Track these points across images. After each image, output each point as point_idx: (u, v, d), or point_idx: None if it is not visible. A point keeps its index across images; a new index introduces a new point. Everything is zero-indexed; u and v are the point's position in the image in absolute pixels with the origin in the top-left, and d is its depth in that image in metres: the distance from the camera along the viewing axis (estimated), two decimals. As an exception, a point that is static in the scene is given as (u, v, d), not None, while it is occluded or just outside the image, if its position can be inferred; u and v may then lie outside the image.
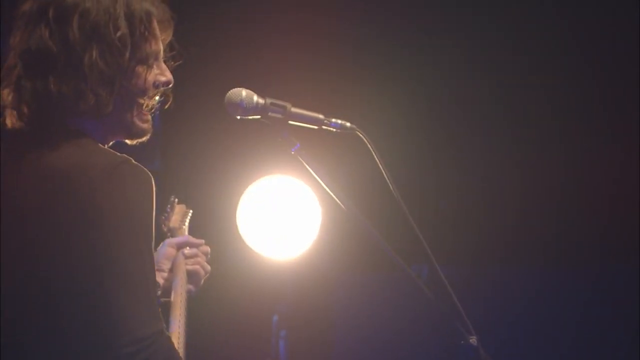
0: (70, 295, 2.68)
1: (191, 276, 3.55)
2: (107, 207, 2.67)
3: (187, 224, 3.80)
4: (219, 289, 5.82)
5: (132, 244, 2.69)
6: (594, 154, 6.10)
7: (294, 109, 3.12)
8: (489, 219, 6.18)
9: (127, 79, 2.84)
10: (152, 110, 2.96)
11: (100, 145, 2.83)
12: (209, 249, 3.62)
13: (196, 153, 5.79)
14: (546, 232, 6.17)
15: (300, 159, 3.11)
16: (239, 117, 3.12)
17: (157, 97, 2.96)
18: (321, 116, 3.14)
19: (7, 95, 2.83)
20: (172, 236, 3.67)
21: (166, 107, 3.03)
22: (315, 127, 3.15)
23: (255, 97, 3.11)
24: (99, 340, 2.66)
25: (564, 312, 6.08)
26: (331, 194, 3.11)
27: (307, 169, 3.12)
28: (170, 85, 2.97)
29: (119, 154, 2.78)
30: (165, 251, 3.54)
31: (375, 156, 3.12)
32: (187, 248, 3.56)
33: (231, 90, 3.11)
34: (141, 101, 2.90)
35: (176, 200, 3.82)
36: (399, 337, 6.10)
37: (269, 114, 3.11)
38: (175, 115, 3.03)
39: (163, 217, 3.73)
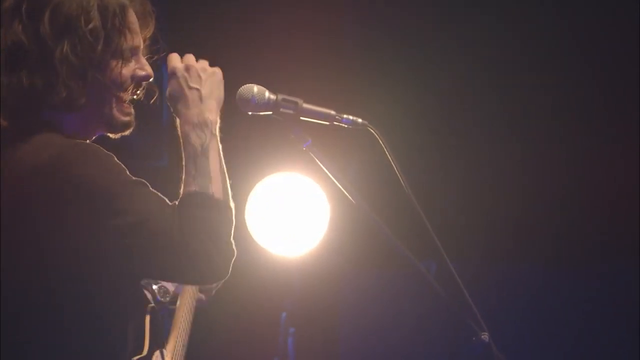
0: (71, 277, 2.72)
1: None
2: (68, 195, 2.70)
3: None
4: (227, 286, 5.81)
5: (112, 208, 2.70)
6: (599, 152, 6.11)
7: (305, 105, 3.11)
8: (495, 217, 6.18)
9: (100, 72, 2.85)
10: (134, 103, 2.96)
11: (60, 136, 2.84)
12: None
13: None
14: (552, 230, 6.18)
15: (312, 155, 3.10)
16: (250, 113, 3.12)
17: (138, 91, 2.97)
18: (333, 112, 3.14)
19: None
20: None
21: (152, 101, 3.04)
22: (327, 123, 3.14)
23: (266, 93, 3.10)
24: None
25: (569, 310, 6.08)
26: (343, 190, 3.11)
27: (316, 165, 3.12)
28: (151, 80, 2.97)
29: (68, 140, 2.80)
30: None
31: (387, 152, 3.11)
32: None
33: (243, 86, 3.11)
34: (120, 94, 2.91)
35: None
36: (409, 334, 6.10)
37: (281, 109, 3.10)
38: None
39: None
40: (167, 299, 3.44)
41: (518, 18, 6.05)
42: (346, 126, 3.16)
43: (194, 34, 5.63)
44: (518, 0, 6.07)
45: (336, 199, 5.55)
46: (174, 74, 2.94)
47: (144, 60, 2.96)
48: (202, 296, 3.55)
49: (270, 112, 3.11)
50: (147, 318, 3.01)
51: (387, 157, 3.12)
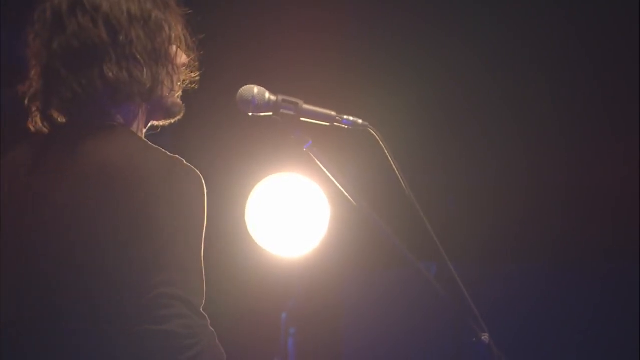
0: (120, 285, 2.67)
1: None
2: (163, 211, 2.66)
3: None
4: (228, 287, 5.83)
5: (187, 243, 2.70)
6: (601, 152, 6.11)
7: (305, 106, 3.11)
8: (495, 218, 6.19)
9: (168, 59, 2.88)
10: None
11: (143, 138, 2.84)
12: None
13: (205, 150, 5.80)
14: (553, 231, 6.18)
15: (312, 156, 3.10)
16: (250, 114, 3.11)
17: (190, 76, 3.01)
18: (333, 113, 3.14)
19: (43, 96, 2.83)
20: None
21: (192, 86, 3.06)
22: (327, 124, 3.14)
23: (267, 94, 3.10)
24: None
25: (570, 311, 6.08)
26: (343, 191, 3.11)
27: (317, 166, 3.11)
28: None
29: (168, 153, 2.77)
30: None
31: (387, 153, 3.11)
32: None
33: (243, 87, 3.10)
34: (180, 80, 2.95)
35: None
36: (410, 335, 6.10)
37: (281, 110, 3.09)
38: (185, 112, 3.02)
39: None
40: None
41: (521, 18, 6.05)
42: (346, 127, 3.15)
43: (195, 34, 5.63)
44: (521, 0, 6.07)
45: (337, 199, 5.55)
46: None
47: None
48: None
49: (271, 113, 3.11)
50: None
51: (388, 158, 3.12)
